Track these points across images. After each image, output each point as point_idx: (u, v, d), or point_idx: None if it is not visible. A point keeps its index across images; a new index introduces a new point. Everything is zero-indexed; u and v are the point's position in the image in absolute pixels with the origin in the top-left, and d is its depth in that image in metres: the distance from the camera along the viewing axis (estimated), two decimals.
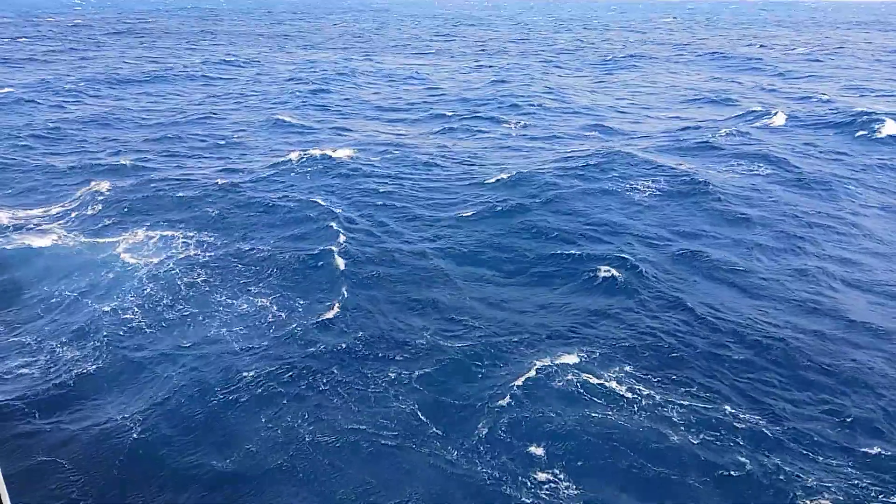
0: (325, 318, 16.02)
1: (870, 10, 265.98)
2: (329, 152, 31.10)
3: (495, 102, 45.34)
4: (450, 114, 41.36)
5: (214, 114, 40.39)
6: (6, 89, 46.21)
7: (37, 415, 12.63)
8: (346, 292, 17.17)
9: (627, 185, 25.70)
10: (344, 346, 14.84)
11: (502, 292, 17.74)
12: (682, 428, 12.41)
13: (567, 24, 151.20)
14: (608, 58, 76.12)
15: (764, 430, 12.41)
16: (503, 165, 29.61)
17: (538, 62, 71.07)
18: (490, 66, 66.92)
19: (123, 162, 29.23)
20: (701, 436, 12.21)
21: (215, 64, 64.42)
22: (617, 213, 23.00)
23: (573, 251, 19.99)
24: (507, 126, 38.42)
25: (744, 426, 12.46)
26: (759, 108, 42.42)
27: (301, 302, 16.88)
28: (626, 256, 19.13)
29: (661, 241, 20.80)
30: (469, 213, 23.00)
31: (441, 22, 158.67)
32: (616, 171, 27.85)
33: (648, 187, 25.52)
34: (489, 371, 14.09)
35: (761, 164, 28.81)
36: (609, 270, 18.43)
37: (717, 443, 12.09)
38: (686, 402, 13.14)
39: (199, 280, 17.89)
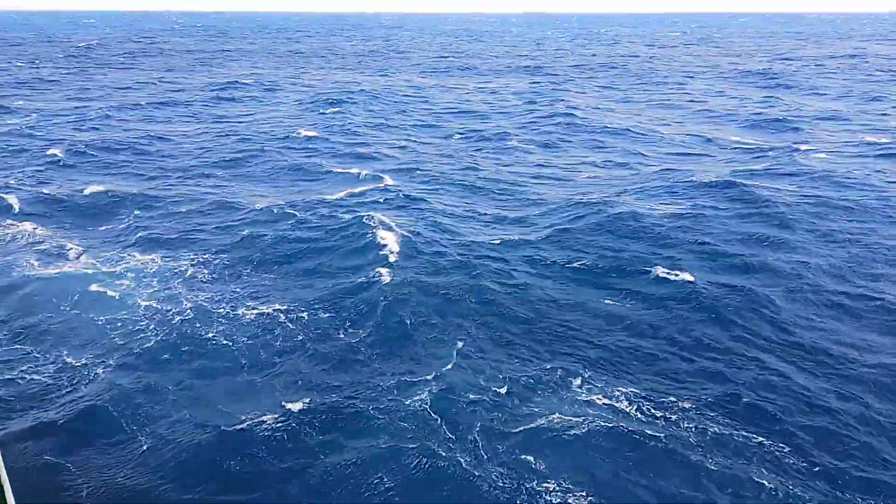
0: (354, 339, 15.99)
1: (877, 21, 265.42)
2: (365, 173, 30.60)
3: (529, 124, 44.64)
4: (480, 133, 40.63)
5: (235, 133, 39.80)
6: (29, 117, 45.93)
7: (46, 425, 12.76)
8: (378, 312, 16.99)
9: (678, 208, 24.81)
10: (368, 365, 14.95)
11: (540, 313, 17.32)
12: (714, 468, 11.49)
13: (578, 40, 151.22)
14: (632, 74, 75.50)
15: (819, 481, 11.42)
16: (542, 188, 28.85)
17: (561, 81, 70.34)
18: (514, 86, 66.40)
19: (149, 185, 28.74)
20: (731, 471, 11.31)
21: (235, 85, 64.14)
22: (671, 236, 22.09)
23: (621, 275, 19.36)
24: (541, 147, 37.63)
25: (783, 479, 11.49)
26: (802, 127, 41.58)
27: (332, 320, 16.87)
28: (679, 279, 18.25)
29: (718, 265, 19.89)
30: (504, 239, 22.21)
31: (453, 39, 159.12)
32: (664, 192, 27.02)
33: (698, 208, 24.62)
34: (524, 394, 13.81)
35: (815, 184, 27.87)
36: (662, 293, 17.80)
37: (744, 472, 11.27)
38: (731, 438, 12.16)
39: (219, 300, 18.00)
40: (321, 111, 49.02)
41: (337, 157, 35.14)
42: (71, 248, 21.83)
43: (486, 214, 25.55)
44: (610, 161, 34.30)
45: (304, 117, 46.93)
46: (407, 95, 58.04)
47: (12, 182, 29.47)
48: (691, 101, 54.77)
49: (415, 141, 39.66)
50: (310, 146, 37.60)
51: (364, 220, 23.60)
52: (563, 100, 53.98)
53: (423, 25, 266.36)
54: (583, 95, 58.43)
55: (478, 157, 35.44)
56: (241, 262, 20.78)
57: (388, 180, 29.85)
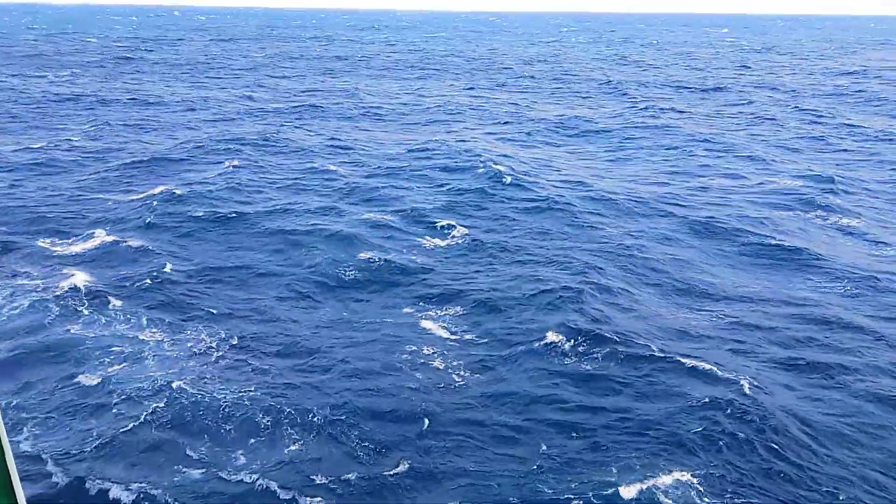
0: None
1: None
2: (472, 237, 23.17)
3: (668, 181, 36.68)
4: (610, 200, 32.45)
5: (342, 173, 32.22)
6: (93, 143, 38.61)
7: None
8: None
9: None
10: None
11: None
12: None
13: (633, 45, 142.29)
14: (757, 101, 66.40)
15: None
16: (733, 277, 21.45)
17: (666, 107, 60.77)
18: (607, 111, 58.25)
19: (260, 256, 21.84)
20: None
21: (311, 107, 56.33)
22: None
23: None
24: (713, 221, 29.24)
25: None
26: None
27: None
28: None
29: None
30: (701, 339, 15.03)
31: (502, 42, 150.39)
32: None
33: None
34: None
35: None
36: None
37: None
38: None
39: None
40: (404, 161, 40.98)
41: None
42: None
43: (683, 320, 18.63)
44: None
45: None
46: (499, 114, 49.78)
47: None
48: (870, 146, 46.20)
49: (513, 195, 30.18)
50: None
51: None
52: (700, 140, 45.78)
53: (435, 25, 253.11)
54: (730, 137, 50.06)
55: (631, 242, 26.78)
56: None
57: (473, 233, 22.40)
